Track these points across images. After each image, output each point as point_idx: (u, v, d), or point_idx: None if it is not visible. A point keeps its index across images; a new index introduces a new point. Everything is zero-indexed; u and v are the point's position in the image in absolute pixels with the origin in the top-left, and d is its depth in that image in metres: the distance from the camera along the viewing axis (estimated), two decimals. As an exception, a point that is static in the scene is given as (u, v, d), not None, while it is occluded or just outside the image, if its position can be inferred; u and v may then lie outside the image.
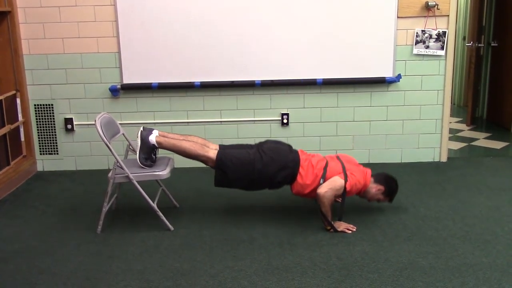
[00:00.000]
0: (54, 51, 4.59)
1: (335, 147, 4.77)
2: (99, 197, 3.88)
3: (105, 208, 3.40)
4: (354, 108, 4.73)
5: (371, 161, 4.82)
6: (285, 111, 4.74)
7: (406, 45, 4.61)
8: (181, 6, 4.48)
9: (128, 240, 3.29)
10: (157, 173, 3.38)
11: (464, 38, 7.35)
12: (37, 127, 4.75)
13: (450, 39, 4.60)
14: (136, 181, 3.35)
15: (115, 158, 3.33)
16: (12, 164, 4.44)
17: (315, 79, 4.62)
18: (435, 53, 4.61)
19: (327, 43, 4.57)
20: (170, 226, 3.44)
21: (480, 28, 6.35)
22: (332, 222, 3.33)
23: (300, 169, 3.38)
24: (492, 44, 6.41)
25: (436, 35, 4.56)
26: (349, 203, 3.56)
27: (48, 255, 3.12)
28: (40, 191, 4.28)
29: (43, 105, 4.71)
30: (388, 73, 4.64)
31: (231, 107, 4.72)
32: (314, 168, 3.37)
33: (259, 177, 3.37)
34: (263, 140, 3.64)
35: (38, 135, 4.77)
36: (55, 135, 4.77)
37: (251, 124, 4.76)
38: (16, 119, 4.55)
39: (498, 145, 5.49)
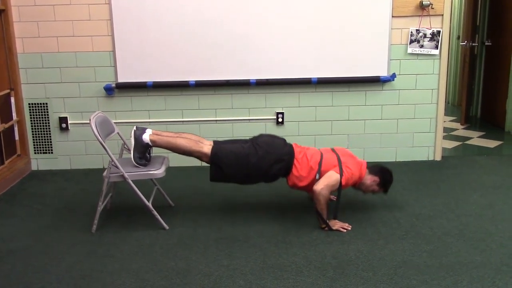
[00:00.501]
0: (49, 50, 4.58)
1: (330, 145, 4.75)
2: (94, 196, 3.88)
3: (100, 207, 3.40)
4: (349, 107, 4.74)
5: (366, 160, 4.83)
6: (280, 110, 4.74)
7: (401, 44, 4.63)
8: (176, 5, 4.47)
9: (123, 239, 3.29)
10: (152, 172, 3.38)
11: (458, 37, 7.37)
12: (32, 126, 4.74)
13: (445, 38, 4.62)
14: (131, 180, 3.35)
15: (110, 157, 3.32)
16: (7, 163, 4.42)
17: (310, 78, 4.63)
18: (429, 52, 4.62)
19: (322, 42, 4.58)
20: (165, 225, 3.44)
21: (474, 27, 6.38)
22: (327, 221, 3.34)
23: (295, 162, 3.39)
24: (486, 44, 6.44)
25: (430, 34, 4.58)
26: (344, 202, 3.57)
27: (43, 254, 3.11)
28: (34, 190, 4.27)
29: (38, 103, 4.69)
30: (382, 72, 4.65)
31: (226, 106, 4.72)
32: (309, 160, 3.38)
33: (254, 170, 3.38)
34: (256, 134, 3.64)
35: (33, 134, 4.75)
36: (50, 134, 4.75)
37: (246, 123, 4.76)
38: (10, 118, 4.53)
39: (491, 143, 5.52)
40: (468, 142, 5.64)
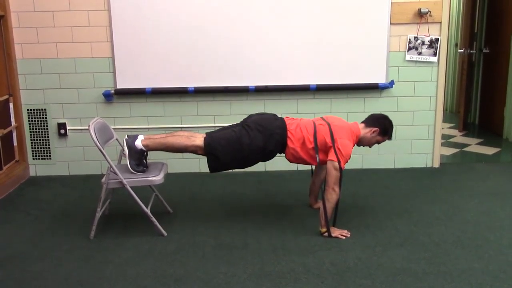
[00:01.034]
0: (48, 56, 4.58)
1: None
2: (92, 202, 3.87)
3: (98, 213, 3.39)
4: (347, 114, 4.74)
5: (364, 167, 4.84)
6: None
7: (399, 51, 4.64)
8: (175, 11, 4.49)
9: (121, 246, 3.28)
10: (150, 178, 3.38)
11: (456, 45, 7.40)
12: (30, 131, 4.74)
13: (443, 45, 4.63)
14: (130, 187, 3.34)
15: (109, 163, 3.32)
16: (5, 169, 4.42)
17: (309, 84, 4.64)
18: (427, 60, 4.64)
19: (320, 49, 4.59)
20: (163, 231, 3.43)
21: (472, 34, 6.40)
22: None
23: (289, 134, 3.38)
24: (484, 51, 6.46)
25: (428, 41, 4.60)
26: (343, 209, 3.57)
27: (41, 261, 3.10)
28: (32, 196, 4.26)
29: (36, 109, 4.69)
30: (381, 79, 4.66)
31: (224, 112, 4.73)
32: (303, 131, 3.37)
33: (249, 152, 3.36)
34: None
35: (31, 140, 4.75)
36: (48, 140, 4.75)
37: (244, 129, 4.76)
38: (8, 123, 4.53)
39: (490, 150, 5.53)
40: (466, 149, 5.65)
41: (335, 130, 3.35)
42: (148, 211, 3.41)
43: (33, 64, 4.60)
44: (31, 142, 4.76)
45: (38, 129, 4.73)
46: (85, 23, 4.52)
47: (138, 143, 3.39)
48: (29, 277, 2.91)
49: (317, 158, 3.36)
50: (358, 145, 3.55)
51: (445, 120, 6.61)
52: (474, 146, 5.76)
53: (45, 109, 4.69)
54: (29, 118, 4.71)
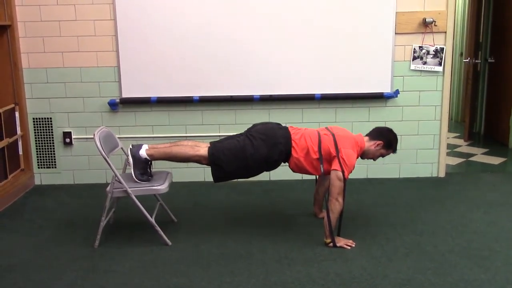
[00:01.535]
0: (54, 65, 4.61)
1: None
2: (97, 211, 3.87)
3: (103, 223, 3.39)
4: (352, 123, 4.74)
5: (369, 176, 4.83)
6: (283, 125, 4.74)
7: (404, 61, 4.64)
8: (180, 21, 4.51)
9: (126, 255, 3.28)
10: (155, 187, 3.37)
11: (461, 54, 7.40)
12: (36, 140, 4.75)
13: (448, 55, 4.63)
14: (134, 195, 3.34)
15: (114, 172, 3.32)
16: (10, 178, 4.43)
17: (314, 94, 4.64)
18: (432, 69, 4.64)
19: (325, 59, 4.59)
20: (167, 240, 3.42)
21: (477, 44, 6.40)
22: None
23: (293, 143, 3.37)
24: (489, 60, 6.45)
25: (433, 51, 4.60)
26: (348, 219, 3.55)
27: (44, 270, 3.10)
28: (37, 205, 4.27)
29: (42, 118, 4.71)
30: (386, 89, 4.66)
31: (229, 121, 4.73)
32: (307, 141, 3.36)
33: (254, 161, 3.35)
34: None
35: (36, 148, 4.77)
36: (53, 148, 4.76)
37: (249, 138, 4.76)
38: (14, 132, 4.55)
39: (495, 160, 5.51)
40: (472, 158, 5.62)
41: (339, 140, 3.35)
42: (152, 220, 3.41)
43: (39, 73, 4.62)
44: (37, 151, 4.77)
45: (44, 138, 4.75)
46: (91, 32, 4.55)
47: (143, 152, 3.39)
48: (33, 286, 2.91)
49: (321, 168, 3.35)
50: (362, 158, 3.54)
51: (450, 129, 6.59)
52: (480, 156, 5.73)
53: (50, 118, 4.71)
54: (34, 127, 4.72)
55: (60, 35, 4.55)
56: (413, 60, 4.63)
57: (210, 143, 3.47)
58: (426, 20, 4.50)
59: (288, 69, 4.61)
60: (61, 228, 3.76)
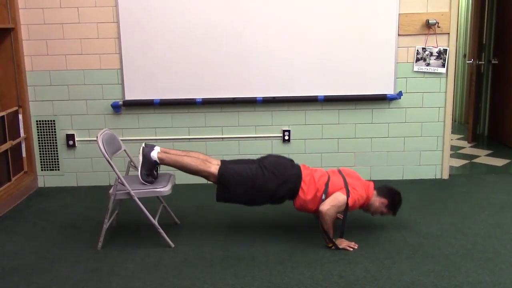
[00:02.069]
0: (57, 68, 4.62)
1: (336, 164, 4.76)
2: (100, 214, 3.87)
3: (106, 225, 3.39)
4: (355, 125, 4.73)
5: (372, 178, 4.81)
6: (286, 128, 4.74)
7: (407, 62, 4.63)
8: (183, 23, 4.51)
9: (129, 257, 3.28)
10: (158, 189, 3.37)
11: (464, 56, 7.38)
12: (39, 143, 4.76)
13: (451, 56, 4.62)
14: (137, 198, 3.34)
15: (116, 174, 3.32)
16: (13, 180, 4.44)
17: (317, 96, 4.63)
18: (436, 71, 4.63)
19: (328, 60, 4.59)
20: (170, 243, 3.42)
21: (481, 46, 6.38)
22: (334, 239, 3.32)
23: (302, 184, 3.37)
24: (493, 62, 6.44)
25: (437, 52, 4.59)
26: (351, 220, 3.55)
27: (48, 272, 3.10)
28: (40, 207, 4.27)
29: (45, 121, 4.72)
30: (389, 90, 4.65)
31: (232, 123, 4.73)
32: (316, 183, 3.36)
33: (260, 192, 3.37)
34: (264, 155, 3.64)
35: (40, 151, 4.77)
36: (57, 151, 4.77)
37: (252, 140, 4.77)
38: (18, 135, 4.56)
39: (499, 162, 5.49)
40: (475, 160, 5.60)
41: (349, 182, 3.37)
42: (155, 222, 3.41)
43: (42, 76, 4.63)
44: (40, 153, 4.78)
45: (47, 140, 4.76)
46: (94, 35, 4.56)
47: (154, 154, 3.40)
48: (36, 288, 2.91)
49: (324, 197, 3.32)
50: (363, 209, 3.51)
51: (454, 131, 6.58)
52: (484, 157, 5.71)
53: (53, 121, 4.72)
54: (38, 129, 4.73)
55: (63, 37, 4.57)
56: (416, 61, 4.62)
57: (221, 161, 3.47)
58: (429, 21, 4.49)
59: (291, 71, 4.60)
60: (64, 230, 3.76)
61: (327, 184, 3.34)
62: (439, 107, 4.72)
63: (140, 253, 3.33)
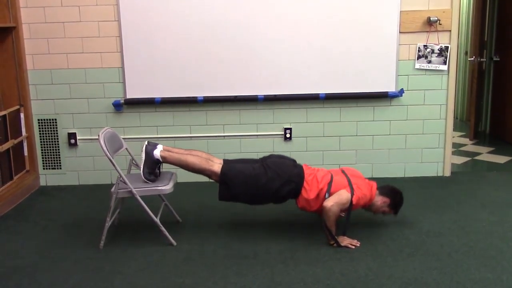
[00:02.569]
0: (58, 66, 4.62)
1: (338, 161, 4.76)
2: (102, 212, 3.87)
3: (108, 223, 3.40)
4: (357, 123, 4.73)
5: (374, 176, 4.81)
6: (288, 126, 4.74)
7: (409, 60, 4.63)
8: (185, 21, 4.51)
9: (131, 255, 3.28)
10: (160, 188, 3.38)
11: (466, 53, 7.37)
12: (41, 142, 4.76)
13: (453, 54, 4.61)
14: (139, 196, 3.34)
15: (118, 172, 3.33)
16: (15, 179, 4.44)
17: (318, 93, 4.63)
18: (437, 68, 4.62)
19: (330, 58, 4.59)
20: (173, 241, 3.42)
21: (482, 43, 6.37)
22: (336, 237, 3.32)
23: (305, 184, 3.37)
24: (494, 59, 6.43)
25: (438, 50, 4.58)
26: (353, 218, 3.54)
27: (50, 271, 3.10)
28: (42, 206, 4.28)
29: (47, 119, 4.72)
30: (390, 88, 4.65)
31: (234, 121, 4.73)
32: (319, 182, 3.36)
33: (263, 191, 3.37)
34: (266, 154, 3.64)
35: (42, 149, 4.78)
36: (58, 150, 4.78)
37: (254, 138, 4.76)
38: (19, 133, 4.56)
39: (501, 159, 5.48)
40: (477, 157, 5.60)
41: (353, 181, 3.37)
42: (157, 220, 3.41)
43: (44, 75, 4.64)
44: (42, 152, 4.78)
45: (49, 139, 4.76)
46: (95, 33, 4.56)
47: (157, 153, 3.40)
48: (38, 287, 2.91)
49: (327, 196, 3.32)
50: (365, 208, 3.52)
51: (455, 128, 6.56)
52: (486, 154, 5.71)
53: (55, 119, 4.72)
54: (39, 128, 4.74)
55: (65, 36, 4.57)
56: (417, 59, 4.62)
57: (224, 160, 3.47)
58: (431, 18, 4.48)
59: (292, 69, 4.60)
60: (66, 229, 3.77)
61: (330, 184, 3.34)
62: (440, 105, 4.71)
63: (142, 252, 3.33)
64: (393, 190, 3.53)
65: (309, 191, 3.35)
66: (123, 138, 3.73)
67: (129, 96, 4.65)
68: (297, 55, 4.58)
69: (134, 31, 4.53)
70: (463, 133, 6.76)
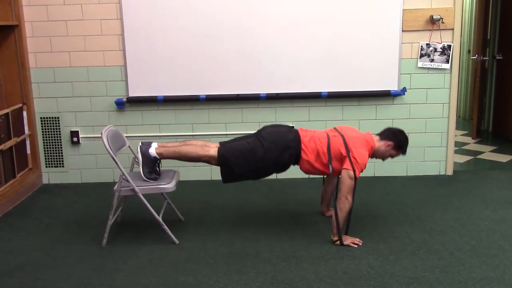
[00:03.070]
0: (61, 65, 4.63)
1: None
2: (104, 210, 3.88)
3: (110, 221, 3.40)
4: (359, 121, 4.73)
5: (376, 174, 4.81)
6: (290, 124, 4.74)
7: (411, 58, 4.62)
8: (187, 20, 4.51)
9: (133, 253, 3.29)
10: (162, 186, 3.38)
11: (469, 52, 7.35)
12: (43, 140, 4.77)
13: (455, 52, 4.60)
14: (142, 194, 3.35)
15: (121, 171, 3.33)
16: (18, 177, 4.45)
17: (320, 92, 4.63)
18: (440, 67, 4.61)
19: (332, 56, 4.58)
20: (175, 239, 3.43)
21: (485, 41, 6.36)
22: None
23: (303, 146, 3.37)
24: (497, 57, 6.41)
25: (441, 48, 4.57)
26: (355, 217, 3.55)
27: (52, 268, 3.11)
28: (45, 204, 4.29)
29: (49, 118, 4.73)
30: (393, 86, 4.64)
31: (236, 120, 4.73)
32: (316, 142, 3.36)
33: (263, 163, 3.36)
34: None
35: (44, 148, 4.79)
36: (61, 148, 4.78)
37: (256, 137, 4.76)
38: (22, 132, 4.57)
39: (504, 158, 5.47)
40: (479, 156, 5.59)
41: (349, 141, 3.35)
42: (160, 219, 3.41)
43: (46, 73, 4.64)
44: (44, 150, 4.79)
45: (51, 137, 4.77)
46: (97, 32, 4.56)
47: (152, 151, 3.40)
48: (41, 285, 2.92)
49: (330, 169, 3.34)
50: (372, 157, 3.52)
51: (458, 127, 6.56)
52: (488, 153, 5.70)
53: (58, 117, 4.73)
54: (42, 126, 4.75)
55: (67, 34, 4.57)
56: (420, 57, 4.61)
57: (220, 143, 3.46)
58: (433, 17, 4.47)
59: (294, 67, 4.60)
60: (68, 227, 3.77)
61: (329, 149, 3.32)
62: (443, 103, 4.71)
63: (144, 250, 3.34)
64: (393, 131, 3.54)
65: (308, 152, 3.35)
66: (125, 136, 3.73)
67: (132, 94, 4.65)
68: (299, 53, 4.57)
69: (137, 29, 4.53)
70: (466, 132, 6.75)
